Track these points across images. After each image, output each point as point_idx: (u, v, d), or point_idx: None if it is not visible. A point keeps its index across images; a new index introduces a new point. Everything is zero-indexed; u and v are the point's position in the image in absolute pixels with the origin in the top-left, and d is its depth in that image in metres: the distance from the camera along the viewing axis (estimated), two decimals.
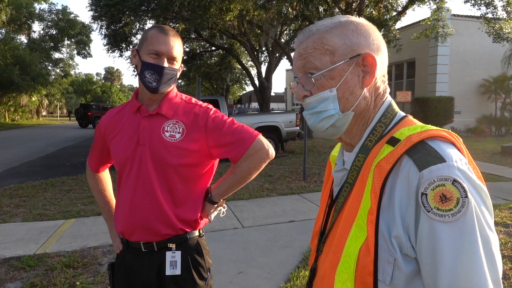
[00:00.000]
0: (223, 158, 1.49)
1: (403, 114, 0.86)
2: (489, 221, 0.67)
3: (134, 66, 1.47)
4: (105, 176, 1.73)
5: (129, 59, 15.71)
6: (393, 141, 0.75)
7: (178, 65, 1.45)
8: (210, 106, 1.52)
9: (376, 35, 0.85)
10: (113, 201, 1.69)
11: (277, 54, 17.31)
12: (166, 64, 1.39)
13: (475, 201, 0.66)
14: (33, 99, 40.99)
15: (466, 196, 0.65)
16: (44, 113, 59.32)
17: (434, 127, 0.76)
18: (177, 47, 1.43)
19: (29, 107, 42.93)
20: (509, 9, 11.41)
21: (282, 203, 5.88)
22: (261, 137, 1.47)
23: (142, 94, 1.49)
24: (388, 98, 0.87)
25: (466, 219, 0.65)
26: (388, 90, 0.88)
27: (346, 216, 0.80)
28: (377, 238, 0.71)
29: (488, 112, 17.41)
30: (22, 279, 3.50)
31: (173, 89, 1.50)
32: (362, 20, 0.86)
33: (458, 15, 16.91)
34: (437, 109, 15.34)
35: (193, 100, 1.54)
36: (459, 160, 0.69)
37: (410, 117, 0.85)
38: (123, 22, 13.77)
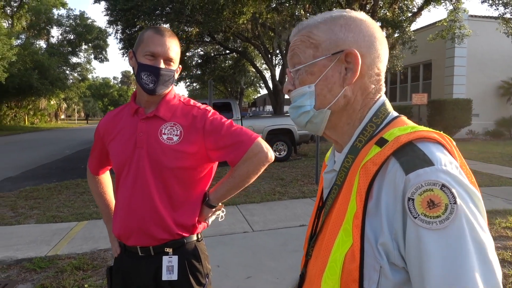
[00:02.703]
0: (221, 161, 1.46)
1: (396, 114, 0.82)
2: (482, 226, 0.63)
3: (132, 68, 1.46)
4: (105, 178, 1.72)
5: None
6: (382, 142, 0.71)
7: (175, 66, 1.43)
8: (209, 108, 1.49)
9: (370, 31, 0.80)
10: (113, 204, 1.67)
11: None
12: (162, 65, 1.37)
13: (466, 207, 0.62)
14: (52, 102, 41.99)
15: (455, 202, 0.61)
16: (62, 117, 60.62)
17: (425, 128, 0.72)
18: (174, 48, 1.40)
19: (48, 111, 43.97)
20: None
21: (294, 207, 5.81)
22: (260, 139, 1.43)
23: (140, 96, 1.47)
24: (382, 98, 0.82)
25: (455, 226, 0.60)
26: (383, 89, 0.83)
27: (334, 219, 0.76)
28: (363, 243, 0.67)
29: (507, 115, 16.95)
30: (32, 280, 3.53)
31: (171, 91, 1.48)
32: (357, 15, 0.81)
33: (475, 16, 16.55)
34: (454, 112, 14.98)
35: (192, 102, 1.51)
36: (448, 163, 0.65)
37: (404, 117, 0.80)
38: (137, 26, 13.94)
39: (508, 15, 11.51)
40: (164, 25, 13.58)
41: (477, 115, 16.22)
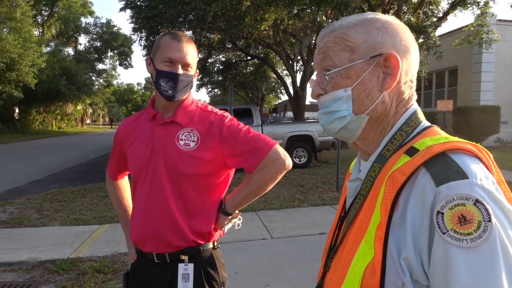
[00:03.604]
0: (238, 168, 1.44)
1: (428, 123, 0.77)
2: None
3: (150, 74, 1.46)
4: (124, 183, 1.73)
5: None
6: (412, 151, 0.67)
7: (193, 71, 1.43)
8: (226, 114, 1.48)
9: (405, 36, 0.77)
10: (130, 209, 1.68)
11: (312, 63, 17.19)
12: (180, 71, 1.37)
13: (501, 226, 0.56)
14: (78, 107, 43.26)
15: (490, 220, 0.55)
16: (88, 121, 62.31)
17: (459, 139, 0.67)
18: (191, 53, 1.40)
19: (74, 116, 45.31)
20: None
21: (313, 214, 5.74)
22: (277, 146, 1.40)
23: (157, 102, 1.47)
24: (414, 106, 0.78)
25: (487, 246, 0.55)
26: (415, 97, 0.80)
27: (356, 230, 0.72)
28: (385, 257, 0.63)
29: None
30: (55, 282, 3.60)
31: (188, 96, 1.47)
32: (391, 19, 0.78)
33: (504, 20, 16.04)
34: (481, 119, 14.48)
35: (209, 107, 1.50)
36: (484, 178, 0.60)
37: (436, 127, 0.76)
38: (161, 33, 14.22)
39: None
40: (187, 32, 13.79)
41: (506, 122, 15.64)
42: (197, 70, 1.48)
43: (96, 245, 4.53)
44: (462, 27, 14.66)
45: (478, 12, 12.24)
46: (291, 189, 7.53)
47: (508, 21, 16.09)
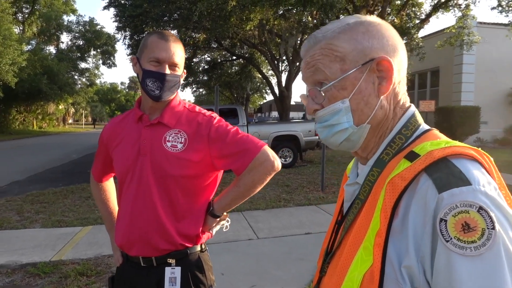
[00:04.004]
0: (226, 170, 1.43)
1: (427, 127, 0.76)
2: None
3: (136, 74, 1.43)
4: (109, 185, 1.69)
5: None
6: (412, 156, 0.65)
7: (180, 71, 1.40)
8: (214, 114, 1.46)
9: (390, 34, 0.75)
10: (116, 212, 1.64)
11: (297, 63, 17.25)
12: (168, 71, 1.35)
13: (505, 234, 0.56)
14: (60, 107, 42.42)
15: (494, 228, 0.55)
16: (70, 121, 61.21)
17: (461, 144, 0.66)
18: (179, 53, 1.38)
19: (56, 115, 44.41)
20: None
21: (299, 214, 5.76)
22: (266, 148, 1.39)
23: (144, 103, 1.45)
24: (411, 108, 0.77)
25: (491, 254, 0.54)
26: (408, 98, 0.79)
27: (354, 236, 0.71)
28: (384, 264, 0.61)
29: None
30: (36, 285, 3.52)
31: (176, 97, 1.45)
32: (372, 19, 0.76)
33: (484, 23, 16.43)
34: (462, 119, 14.82)
35: (197, 108, 1.48)
36: (487, 184, 0.59)
37: (436, 131, 0.75)
38: (145, 32, 14.04)
39: None
40: (172, 31, 13.66)
41: (486, 122, 16.04)
42: (185, 70, 1.46)
43: (79, 247, 4.45)
44: (444, 29, 14.97)
45: (460, 14, 12.50)
46: (276, 189, 7.54)
47: (488, 23, 16.49)
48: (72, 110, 57.05)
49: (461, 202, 0.56)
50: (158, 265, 1.38)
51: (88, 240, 4.67)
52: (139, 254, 1.39)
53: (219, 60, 22.21)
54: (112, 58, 40.51)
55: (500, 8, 11.32)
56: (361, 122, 0.74)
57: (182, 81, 1.45)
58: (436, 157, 0.62)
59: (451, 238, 0.56)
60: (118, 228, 1.45)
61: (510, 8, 11.17)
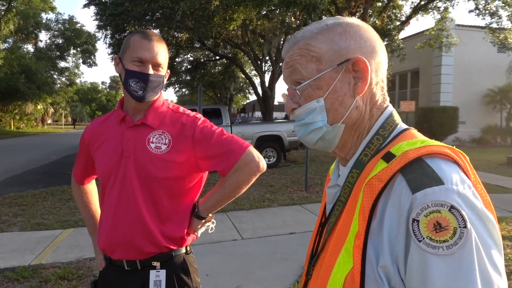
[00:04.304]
0: (211, 171, 1.42)
1: (404, 126, 0.77)
2: (494, 259, 0.57)
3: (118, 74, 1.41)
4: (91, 188, 1.66)
5: None
6: (389, 157, 0.66)
7: (164, 72, 1.38)
8: (199, 115, 1.45)
9: (369, 36, 0.76)
10: (98, 214, 1.61)
11: (281, 64, 17.32)
12: (151, 71, 1.33)
13: (477, 233, 0.56)
14: (38, 107, 41.38)
15: (465, 226, 0.55)
16: (49, 121, 59.82)
17: (436, 142, 0.67)
18: (162, 52, 1.36)
19: (34, 115, 43.31)
20: None
21: (283, 214, 5.78)
22: (251, 148, 1.39)
23: (127, 103, 1.42)
24: (389, 108, 0.78)
25: (463, 253, 0.55)
26: (388, 98, 0.79)
27: (336, 238, 0.71)
28: (364, 266, 0.62)
29: (493, 122, 17.25)
30: None
31: (159, 98, 1.43)
32: (352, 20, 0.77)
33: (462, 25, 16.86)
34: (442, 119, 15.19)
35: (181, 109, 1.46)
36: (460, 182, 0.59)
37: (413, 130, 0.75)
38: (127, 31, 13.86)
39: (494, 25, 11.74)
40: (154, 31, 13.51)
41: (464, 122, 16.46)
42: (168, 71, 1.44)
43: (59, 250, 4.35)
44: (423, 31, 15.28)
45: (438, 16, 12.80)
46: (260, 189, 7.55)
47: (466, 26, 16.92)
48: (51, 110, 55.78)
49: (432, 202, 0.57)
50: (142, 268, 1.36)
51: (69, 243, 4.57)
52: (123, 258, 1.36)
53: (202, 60, 22.10)
54: (92, 57, 39.74)
55: (477, 11, 11.64)
56: (335, 121, 0.75)
57: (165, 81, 1.43)
58: (410, 158, 0.62)
59: (423, 238, 0.57)
60: (100, 231, 1.42)
61: (487, 12, 11.49)
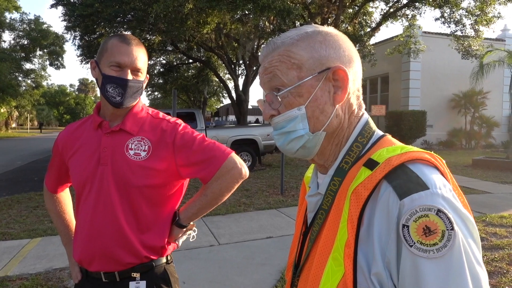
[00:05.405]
0: (192, 178, 1.38)
1: (381, 133, 0.79)
2: (477, 256, 0.60)
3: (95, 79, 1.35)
4: (64, 197, 1.58)
5: None
6: (371, 164, 0.67)
7: (143, 77, 1.34)
8: (179, 121, 1.41)
9: (346, 46, 0.77)
10: (73, 224, 1.54)
11: (254, 68, 17.39)
12: (130, 77, 1.28)
13: (462, 234, 0.59)
14: (2, 110, 39.62)
15: (452, 229, 0.57)
16: (13, 125, 57.36)
17: (415, 148, 0.69)
18: (141, 57, 1.31)
19: None
20: (476, 27, 11.86)
21: (260, 218, 5.77)
22: (233, 155, 1.37)
23: (104, 109, 1.37)
24: (365, 115, 0.80)
25: (453, 254, 0.57)
26: (363, 106, 0.81)
27: (322, 247, 0.71)
28: (356, 274, 0.62)
29: (458, 126, 17.97)
30: None
31: (138, 103, 1.38)
32: (330, 30, 0.78)
33: (429, 32, 17.49)
34: (411, 123, 15.71)
35: (161, 114, 1.42)
36: (443, 186, 0.62)
37: (389, 136, 0.77)
38: (97, 33, 13.50)
39: (459, 33, 12.23)
40: (126, 33, 13.23)
41: (431, 126, 17.07)
42: (147, 75, 1.40)
43: (27, 261, 4.15)
44: (393, 37, 15.75)
45: (407, 23, 13.22)
46: (236, 193, 7.51)
47: (433, 33, 17.57)
48: (15, 113, 53.56)
49: (420, 206, 0.59)
50: (121, 280, 1.30)
51: (37, 253, 4.37)
52: (100, 269, 1.31)
53: (175, 63, 21.83)
54: (60, 59, 38.40)
55: (442, 19, 12.10)
56: (316, 130, 0.75)
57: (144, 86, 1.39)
58: (394, 164, 0.64)
59: (414, 243, 0.58)
60: (76, 243, 1.35)
61: (452, 20, 11.98)
